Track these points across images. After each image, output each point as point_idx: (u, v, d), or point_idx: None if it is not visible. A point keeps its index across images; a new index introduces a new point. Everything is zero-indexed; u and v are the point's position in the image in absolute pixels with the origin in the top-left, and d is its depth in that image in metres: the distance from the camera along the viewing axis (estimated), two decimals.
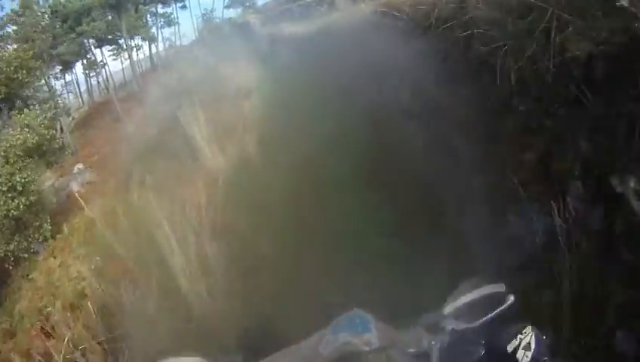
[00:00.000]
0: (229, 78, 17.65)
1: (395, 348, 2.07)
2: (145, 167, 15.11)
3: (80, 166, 30.00)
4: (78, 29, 31.64)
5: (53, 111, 21.49)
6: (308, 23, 20.27)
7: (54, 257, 15.53)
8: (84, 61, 36.59)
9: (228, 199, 11.53)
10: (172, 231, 10.06)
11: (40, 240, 16.23)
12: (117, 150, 24.48)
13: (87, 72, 37.90)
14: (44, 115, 18.93)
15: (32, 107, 19.57)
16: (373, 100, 11.27)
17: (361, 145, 9.78)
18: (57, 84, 35.35)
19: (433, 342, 2.11)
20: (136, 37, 37.35)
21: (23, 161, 16.17)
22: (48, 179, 27.14)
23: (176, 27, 41.38)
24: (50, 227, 16.30)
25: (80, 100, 42.40)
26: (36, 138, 16.55)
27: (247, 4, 41.77)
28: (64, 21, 32.28)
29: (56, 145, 18.06)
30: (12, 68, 19.73)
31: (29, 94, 21.01)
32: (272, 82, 16.13)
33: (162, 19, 40.64)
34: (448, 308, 2.19)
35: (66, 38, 32.11)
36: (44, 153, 17.70)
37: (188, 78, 20.35)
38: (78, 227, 16.42)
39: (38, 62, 20.83)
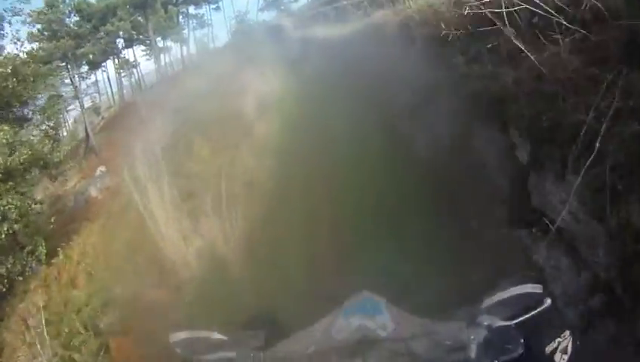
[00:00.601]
0: (247, 89, 15.66)
1: (429, 339, 2.36)
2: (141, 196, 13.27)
3: (102, 168, 29.21)
4: (103, 29, 30.44)
5: (53, 121, 19.58)
6: (342, 26, 18.40)
7: (42, 288, 13.82)
8: (117, 60, 35.72)
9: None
10: None
11: (33, 264, 14.62)
12: (135, 155, 23.64)
13: (119, 71, 36.96)
14: (44, 126, 17.20)
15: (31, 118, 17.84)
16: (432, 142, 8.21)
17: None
18: (84, 84, 34.70)
19: (472, 337, 2.27)
20: (167, 38, 36.43)
21: (4, 185, 13.86)
22: (70, 180, 27.01)
23: (210, 29, 40.13)
24: (44, 250, 14.58)
25: (112, 100, 41.70)
26: (24, 155, 14.73)
27: (282, 8, 40.22)
28: (89, 20, 31.28)
29: (57, 159, 16.29)
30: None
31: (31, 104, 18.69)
32: (293, 97, 14.05)
33: (195, 21, 39.36)
34: (485, 303, 2.43)
35: (91, 37, 31.06)
36: (46, 165, 16.15)
37: (199, 93, 18.54)
38: (71, 255, 14.69)
39: (31, 68, 18.12)
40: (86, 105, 36.25)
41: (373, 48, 12.37)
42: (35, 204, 15.57)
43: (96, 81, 37.41)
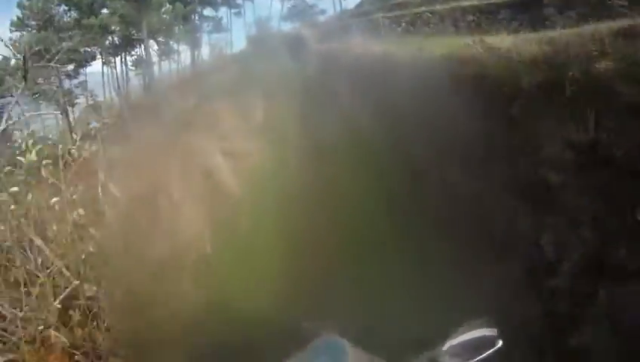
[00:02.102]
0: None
1: None
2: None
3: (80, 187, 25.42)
4: (84, 22, 26.43)
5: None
6: (378, 45, 13.96)
7: None
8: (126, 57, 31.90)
9: None
10: None
11: None
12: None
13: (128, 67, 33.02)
14: None
15: None
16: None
17: None
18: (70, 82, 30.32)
19: None
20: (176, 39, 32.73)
21: None
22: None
23: (229, 34, 36.34)
24: None
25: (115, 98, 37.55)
26: None
27: (307, 18, 36.51)
28: (77, 10, 27.45)
29: None
30: None
31: None
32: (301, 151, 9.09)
33: (210, 24, 35.63)
34: (447, 346, 2.79)
35: (75, 31, 27.22)
36: None
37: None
38: None
39: None
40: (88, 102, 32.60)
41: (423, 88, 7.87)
42: None
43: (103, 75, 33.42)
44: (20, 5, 26.62)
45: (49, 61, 25.54)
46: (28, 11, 26.14)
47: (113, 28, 28.01)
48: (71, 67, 28.65)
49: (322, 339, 3.05)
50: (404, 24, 19.53)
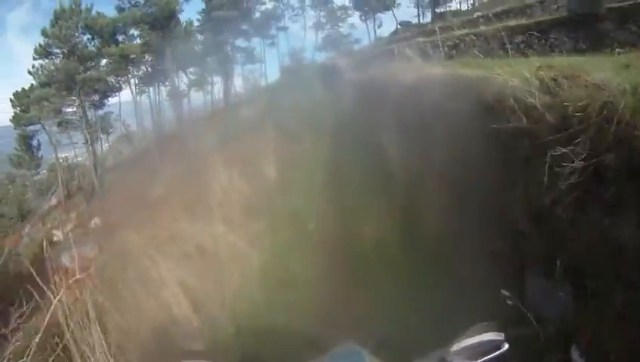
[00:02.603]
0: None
1: None
2: None
3: (97, 221, 24.72)
4: (105, 50, 25.35)
5: None
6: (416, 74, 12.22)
7: None
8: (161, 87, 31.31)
9: None
10: None
11: None
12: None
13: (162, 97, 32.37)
14: None
15: None
16: None
17: None
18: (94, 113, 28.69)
19: None
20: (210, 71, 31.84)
21: None
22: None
23: (263, 65, 35.20)
24: None
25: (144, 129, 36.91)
26: None
27: (342, 47, 35.06)
28: (100, 38, 26.52)
29: None
30: None
31: None
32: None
33: (243, 55, 34.66)
34: (455, 347, 2.83)
35: (96, 59, 26.41)
36: None
37: None
38: None
39: None
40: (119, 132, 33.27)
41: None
42: None
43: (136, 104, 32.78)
44: (43, 33, 25.97)
45: (72, 90, 24.82)
46: (51, 39, 25.43)
47: (146, 58, 26.80)
48: (96, 97, 27.73)
49: (341, 347, 3.28)
50: (446, 48, 17.76)
